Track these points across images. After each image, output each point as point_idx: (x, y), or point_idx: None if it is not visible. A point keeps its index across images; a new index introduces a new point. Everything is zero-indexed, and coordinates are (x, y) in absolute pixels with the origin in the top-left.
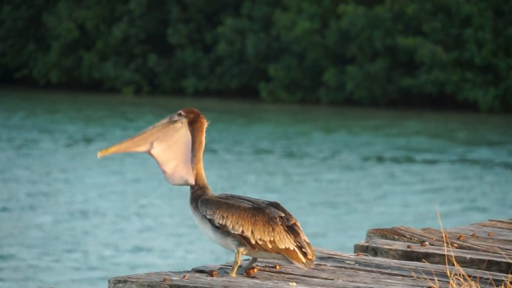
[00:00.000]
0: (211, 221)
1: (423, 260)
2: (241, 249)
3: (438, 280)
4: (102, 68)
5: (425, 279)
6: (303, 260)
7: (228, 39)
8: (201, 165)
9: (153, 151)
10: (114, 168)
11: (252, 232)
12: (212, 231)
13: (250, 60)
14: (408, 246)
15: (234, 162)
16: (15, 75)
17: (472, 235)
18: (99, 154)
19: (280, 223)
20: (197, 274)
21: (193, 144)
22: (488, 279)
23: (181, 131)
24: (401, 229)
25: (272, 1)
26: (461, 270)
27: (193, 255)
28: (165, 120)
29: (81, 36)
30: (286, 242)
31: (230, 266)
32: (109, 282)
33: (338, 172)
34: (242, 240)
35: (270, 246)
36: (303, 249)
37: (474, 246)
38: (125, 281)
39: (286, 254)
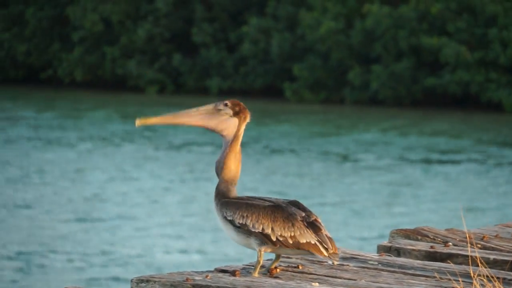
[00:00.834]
0: (232, 222)
1: (446, 260)
2: (263, 247)
3: (462, 281)
4: (125, 65)
5: (449, 279)
6: (326, 254)
7: (252, 39)
8: (232, 159)
9: (198, 123)
10: (141, 167)
11: (272, 229)
12: (234, 232)
13: (274, 59)
14: (431, 247)
15: (255, 162)
16: (40, 75)
17: (496, 236)
18: (138, 122)
19: (300, 219)
20: (220, 274)
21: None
22: (511, 280)
23: (224, 120)
24: (424, 230)
25: (297, 0)
26: (485, 271)
27: (216, 254)
28: (210, 106)
29: (106, 30)
30: (307, 237)
31: (253, 266)
32: (131, 281)
33: (362, 172)
34: (263, 238)
35: (291, 241)
36: (324, 244)
37: (498, 247)
38: (147, 281)
39: (308, 249)
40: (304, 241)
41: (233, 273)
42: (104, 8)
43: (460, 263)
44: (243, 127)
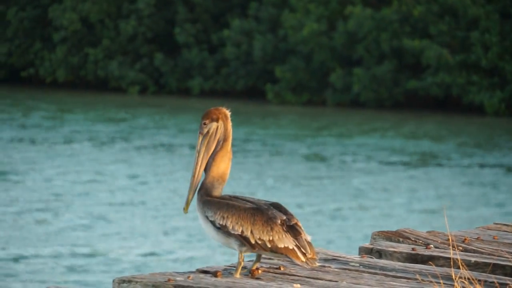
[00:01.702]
0: (212, 223)
1: (428, 262)
2: (243, 249)
3: (443, 283)
4: (107, 67)
5: (430, 281)
6: (303, 259)
7: (234, 41)
8: (222, 157)
9: (208, 160)
10: (129, 168)
11: (251, 232)
12: (214, 231)
13: (256, 61)
14: (413, 249)
15: (235, 163)
16: (21, 74)
17: (477, 238)
18: (185, 211)
19: (280, 223)
20: (202, 275)
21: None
22: (493, 282)
23: (218, 134)
24: (406, 232)
25: (279, 2)
26: (466, 273)
27: (197, 255)
28: (199, 140)
29: (86, 31)
30: (285, 241)
31: (235, 267)
32: (113, 282)
33: (343, 174)
34: (242, 240)
35: (269, 245)
36: (302, 249)
37: (479, 249)
38: (129, 281)
39: (285, 253)
40: (282, 246)
41: (214, 274)
42: (83, 7)
43: (442, 265)
44: (229, 125)
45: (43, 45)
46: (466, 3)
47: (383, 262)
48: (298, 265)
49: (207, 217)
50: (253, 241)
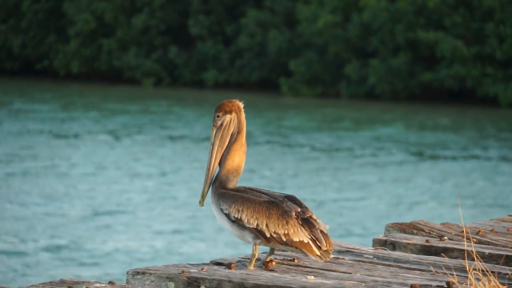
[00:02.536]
0: (227, 216)
1: (441, 254)
2: (258, 241)
3: (457, 275)
4: (122, 57)
5: (444, 273)
6: (317, 253)
7: (249, 31)
8: (237, 150)
9: (222, 153)
10: (143, 160)
11: (266, 225)
12: (228, 224)
13: (270, 53)
14: (427, 241)
15: (251, 156)
16: (35, 66)
17: (491, 230)
18: (201, 204)
19: (295, 216)
20: (215, 267)
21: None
22: (506, 274)
23: (231, 127)
24: (420, 224)
25: None
26: (480, 265)
27: (212, 247)
28: (213, 132)
29: (100, 26)
30: (300, 235)
31: (248, 259)
32: (127, 273)
33: (357, 166)
34: (257, 234)
35: (284, 239)
36: (317, 242)
37: (493, 241)
38: (143, 273)
39: (300, 247)
40: (297, 240)
41: (228, 266)
42: (97, 6)
43: (456, 257)
44: (242, 117)
45: (57, 38)
46: None
47: (397, 254)
48: (312, 258)
49: (222, 210)
50: (268, 235)
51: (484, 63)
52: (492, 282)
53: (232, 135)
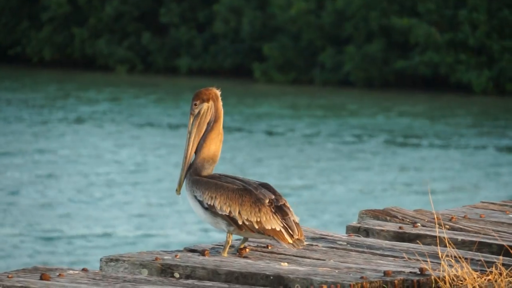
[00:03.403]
0: (200, 203)
1: (415, 241)
2: (231, 229)
3: (430, 261)
4: (95, 45)
5: (417, 260)
6: (290, 241)
7: (223, 17)
8: (213, 138)
9: (199, 140)
10: (119, 148)
11: (239, 212)
12: (201, 211)
13: (245, 39)
14: (400, 228)
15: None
16: (8, 52)
17: (464, 217)
18: (178, 192)
19: (268, 204)
20: (189, 254)
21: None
22: (479, 260)
23: (208, 115)
24: (393, 210)
25: None
26: (453, 251)
27: (185, 234)
28: (191, 120)
29: (73, 11)
30: (273, 223)
31: (222, 245)
32: (101, 260)
33: (330, 153)
34: (230, 221)
35: (256, 226)
36: (289, 230)
37: (466, 228)
38: (117, 260)
39: (273, 235)
40: (269, 227)
41: (202, 252)
42: None
43: (429, 244)
44: (219, 105)
45: (30, 24)
46: None
47: (370, 240)
48: (285, 246)
49: (195, 197)
50: (240, 222)
51: (458, 50)
52: (465, 268)
53: (209, 123)
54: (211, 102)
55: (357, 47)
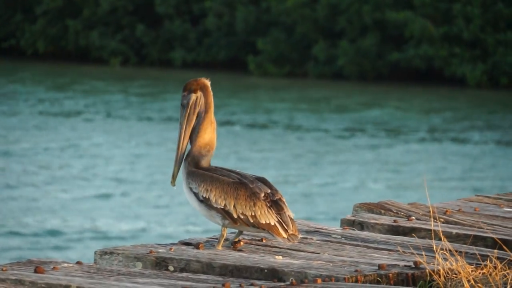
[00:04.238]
0: (196, 195)
1: (409, 234)
2: (226, 222)
3: (425, 255)
4: (89, 36)
5: (411, 253)
6: (284, 235)
7: (216, 11)
8: (206, 127)
9: (191, 129)
10: (113, 141)
11: (234, 206)
12: (197, 204)
13: (238, 32)
14: (395, 221)
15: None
16: (2, 45)
17: (459, 210)
18: (172, 184)
19: (263, 198)
20: (184, 247)
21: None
22: (474, 254)
23: (198, 105)
24: (388, 204)
25: None
26: (447, 245)
27: (180, 227)
28: (181, 112)
29: (67, 4)
30: (267, 217)
31: (217, 239)
32: (95, 253)
33: (325, 147)
34: (225, 214)
35: (251, 220)
36: (284, 225)
37: (460, 221)
38: (111, 253)
39: (267, 229)
40: (264, 222)
41: (196, 246)
42: None
43: (423, 237)
44: (209, 95)
45: (24, 17)
46: None
47: (364, 234)
48: (280, 241)
49: (191, 189)
50: (235, 216)
51: (452, 43)
52: (460, 261)
53: (199, 113)
54: (199, 93)
55: (351, 41)
